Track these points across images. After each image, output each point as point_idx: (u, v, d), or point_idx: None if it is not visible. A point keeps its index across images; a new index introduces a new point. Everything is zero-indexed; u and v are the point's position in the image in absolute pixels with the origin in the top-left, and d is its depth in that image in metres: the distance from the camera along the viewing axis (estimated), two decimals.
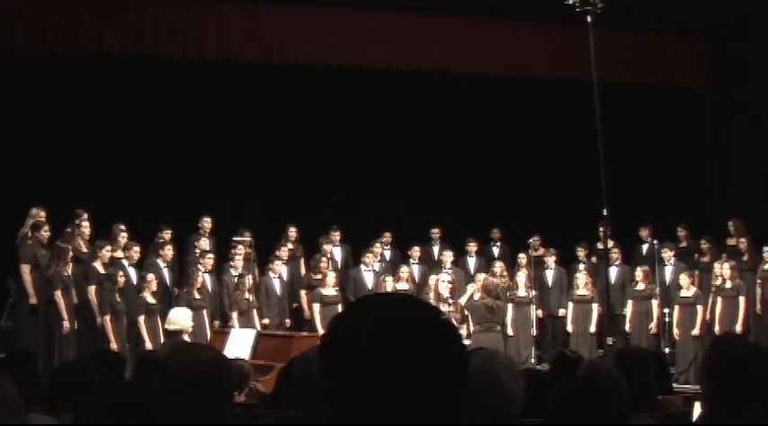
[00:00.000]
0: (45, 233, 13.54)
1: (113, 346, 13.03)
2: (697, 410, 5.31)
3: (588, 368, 4.86)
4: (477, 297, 14.05)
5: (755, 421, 3.36)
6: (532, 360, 15.44)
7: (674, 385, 13.32)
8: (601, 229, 14.59)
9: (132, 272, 14.43)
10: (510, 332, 15.76)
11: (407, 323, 1.83)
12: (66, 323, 13.00)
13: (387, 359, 1.78)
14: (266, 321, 15.44)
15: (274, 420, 4.74)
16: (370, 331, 1.81)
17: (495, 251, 18.16)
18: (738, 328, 15.22)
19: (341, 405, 1.80)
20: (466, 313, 13.20)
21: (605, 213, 13.24)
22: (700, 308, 15.54)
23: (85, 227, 14.35)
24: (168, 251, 15.15)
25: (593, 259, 17.29)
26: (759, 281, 15.68)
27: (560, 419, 3.57)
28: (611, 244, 16.33)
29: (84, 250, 14.15)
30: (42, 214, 13.84)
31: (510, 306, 15.71)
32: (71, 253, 13.45)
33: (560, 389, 3.67)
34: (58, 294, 13.02)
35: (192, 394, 3.09)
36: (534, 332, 16.14)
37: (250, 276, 15.39)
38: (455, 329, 1.91)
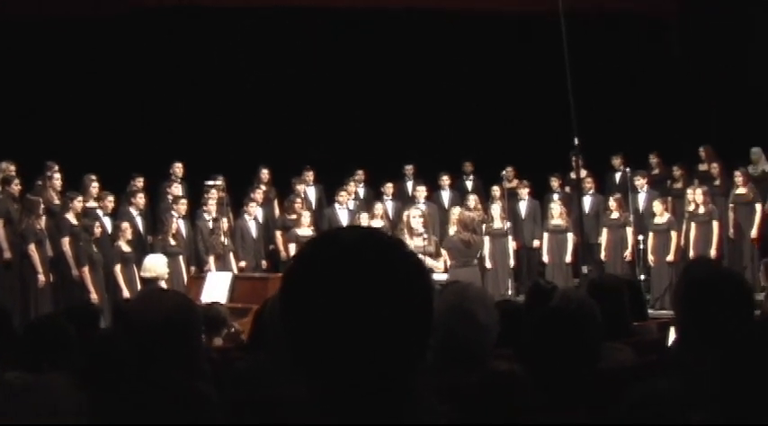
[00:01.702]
0: (16, 186, 13.41)
1: (93, 296, 13.03)
2: (672, 335, 5.34)
3: (561, 299, 4.87)
4: (452, 232, 14.04)
5: (728, 344, 3.37)
6: (510, 292, 15.48)
7: (650, 311, 13.44)
8: (573, 159, 14.58)
9: (107, 222, 14.37)
10: (488, 265, 15.80)
11: (370, 258, 1.78)
12: (41, 277, 12.89)
13: (349, 295, 1.73)
14: (243, 263, 15.45)
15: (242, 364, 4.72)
16: (331, 267, 1.76)
17: (469, 184, 18.19)
18: (713, 253, 15.32)
19: (302, 347, 1.77)
20: (441, 247, 13.17)
21: (576, 143, 13.24)
22: (674, 234, 15.61)
23: (56, 179, 14.24)
24: (140, 199, 15.11)
25: (567, 189, 17.32)
26: (731, 206, 15.78)
27: (533, 349, 3.58)
28: (583, 173, 16.37)
29: (57, 202, 14.02)
30: (12, 168, 13.72)
31: (486, 238, 15.72)
32: (43, 206, 13.32)
33: (533, 320, 3.68)
34: (32, 248, 12.90)
35: (157, 340, 3.08)
36: (512, 263, 16.15)
37: (225, 220, 15.36)
38: (419, 261, 1.87)
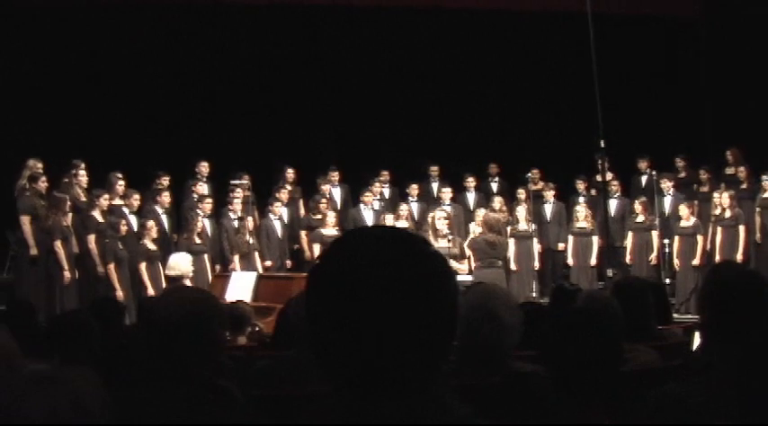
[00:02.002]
0: (42, 183, 13.51)
1: (119, 294, 13.11)
2: (697, 339, 5.32)
3: (585, 300, 4.86)
4: (477, 232, 14.03)
5: (754, 347, 3.35)
6: (534, 294, 15.43)
7: (675, 315, 13.39)
8: (599, 161, 14.52)
9: (132, 219, 14.44)
10: (513, 266, 15.74)
11: (395, 257, 1.78)
12: (66, 273, 13.02)
13: (373, 294, 1.73)
14: (268, 263, 15.47)
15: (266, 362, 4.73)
16: (355, 266, 1.77)
17: (494, 186, 18.13)
18: (739, 257, 15.23)
19: (326, 346, 1.77)
20: (465, 249, 13.17)
21: (602, 145, 13.19)
22: (700, 238, 15.54)
23: (82, 177, 14.36)
24: (166, 197, 15.16)
25: (593, 191, 17.25)
26: (758, 209, 15.66)
27: (556, 351, 3.57)
28: (609, 176, 16.30)
29: (83, 199, 14.13)
30: (39, 165, 13.80)
31: (511, 240, 15.68)
32: (69, 203, 13.43)
33: (556, 321, 3.67)
34: (58, 244, 13.01)
35: (178, 335, 3.09)
36: (537, 265, 16.10)
37: (250, 219, 15.38)
38: (445, 261, 1.86)
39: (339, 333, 1.75)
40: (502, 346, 4.21)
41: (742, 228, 15.37)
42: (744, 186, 16.19)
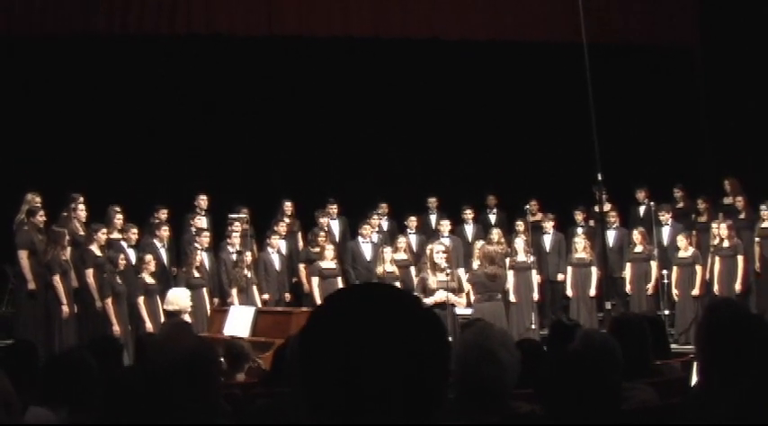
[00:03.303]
0: (41, 218, 13.51)
1: (115, 328, 13.10)
2: (695, 375, 5.32)
3: (582, 339, 4.85)
4: (476, 266, 14.02)
5: (751, 388, 3.36)
6: (534, 326, 15.41)
7: (674, 346, 13.42)
8: (597, 193, 14.54)
9: (131, 254, 14.43)
10: (512, 298, 15.71)
11: (387, 317, 1.82)
12: (65, 308, 12.99)
13: (366, 354, 1.76)
14: (266, 296, 15.44)
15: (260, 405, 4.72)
16: (348, 326, 1.80)
17: (492, 218, 18.16)
18: (738, 287, 15.28)
19: (317, 392, 1.80)
20: (464, 282, 13.17)
21: (600, 177, 13.20)
22: (698, 268, 15.55)
23: (81, 210, 14.35)
24: (164, 231, 15.17)
25: (591, 222, 17.26)
26: (757, 239, 15.68)
27: (553, 392, 3.57)
28: (608, 206, 16.33)
29: (81, 233, 14.13)
30: (37, 199, 13.81)
31: (510, 272, 15.68)
32: (68, 237, 13.43)
33: (553, 363, 3.67)
34: (57, 278, 13.00)
35: (176, 382, 3.09)
36: (536, 297, 16.07)
37: (248, 252, 15.36)
38: (437, 320, 1.89)
39: (331, 385, 1.78)
40: (499, 386, 4.19)
41: (741, 258, 15.39)
42: (742, 216, 16.22)
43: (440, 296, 12.31)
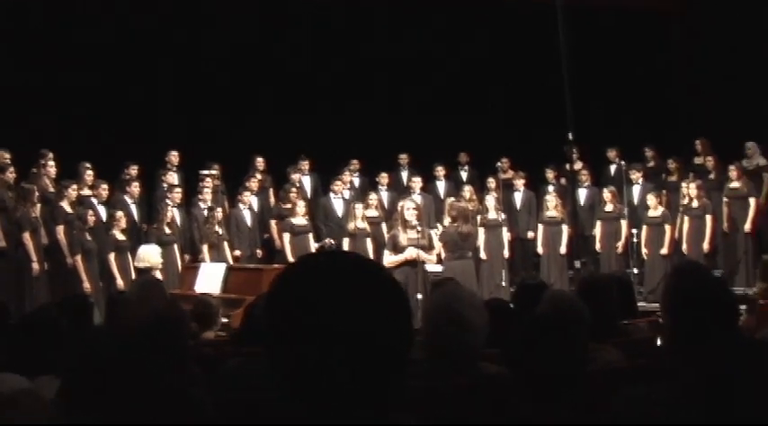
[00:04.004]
0: (10, 174, 13.41)
1: (86, 286, 13.05)
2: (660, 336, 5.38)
3: (549, 301, 4.88)
4: (447, 223, 14.03)
5: (714, 352, 3.40)
6: (504, 283, 15.48)
7: (643, 303, 13.51)
8: (568, 151, 14.57)
9: (101, 210, 14.37)
10: (483, 256, 15.75)
11: (350, 281, 1.86)
12: (35, 265, 12.91)
13: (329, 320, 1.80)
14: (237, 253, 15.43)
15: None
16: (311, 291, 1.84)
17: (464, 175, 18.20)
18: (705, 246, 15.43)
19: (284, 363, 1.83)
20: (435, 239, 13.19)
21: (570, 137, 13.22)
22: (667, 228, 15.66)
23: (51, 167, 14.24)
24: (135, 187, 15.12)
25: (563, 181, 17.32)
26: (725, 200, 15.80)
27: (520, 354, 3.60)
28: (579, 165, 16.39)
29: (51, 190, 14.02)
30: (7, 156, 13.71)
31: (481, 230, 15.72)
32: (37, 194, 13.33)
33: (520, 325, 3.70)
34: (27, 236, 12.91)
35: (141, 345, 3.10)
36: (507, 254, 16.11)
37: (220, 209, 15.33)
38: (398, 287, 1.92)
39: (295, 347, 1.82)
40: (468, 347, 4.23)
41: (709, 218, 15.51)
42: (712, 176, 16.32)
43: (410, 253, 12.34)
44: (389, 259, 12.49)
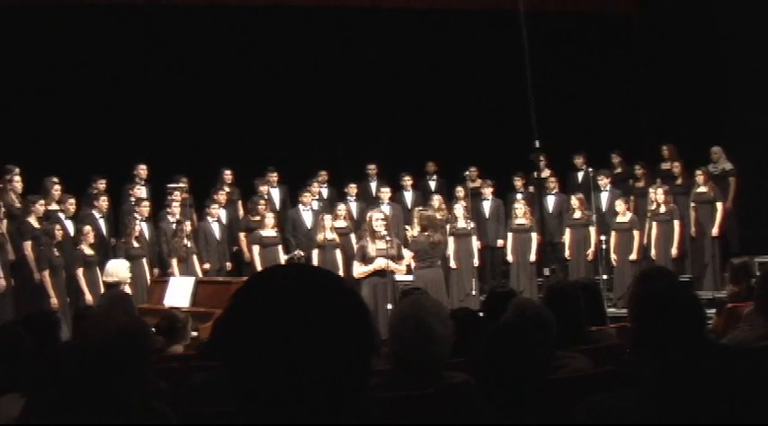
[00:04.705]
0: None
1: (53, 301, 12.95)
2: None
3: (515, 310, 4.89)
4: (415, 232, 14.05)
5: (679, 356, 3.40)
6: (474, 292, 15.50)
7: (612, 309, 13.56)
8: (534, 159, 14.59)
9: (69, 225, 14.29)
10: (452, 265, 15.77)
11: (309, 296, 1.84)
12: (1, 281, 12.78)
13: (287, 334, 1.79)
14: (206, 266, 15.38)
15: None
16: (270, 306, 1.82)
17: (432, 184, 18.21)
18: (674, 251, 15.51)
19: (244, 388, 1.82)
20: (403, 249, 13.21)
21: (537, 145, 13.22)
22: (636, 233, 15.72)
23: (17, 182, 14.10)
24: (103, 201, 15.04)
25: (530, 188, 17.36)
26: (693, 204, 15.90)
27: (485, 363, 3.60)
28: (547, 172, 16.46)
29: (17, 205, 13.90)
30: None
31: (451, 238, 15.75)
32: (3, 210, 13.22)
33: (485, 334, 3.70)
34: None
35: (108, 361, 3.08)
36: (476, 263, 16.13)
37: (188, 222, 15.29)
38: (357, 297, 1.92)
39: (255, 359, 1.80)
40: (433, 357, 4.23)
41: (677, 223, 15.61)
42: (679, 181, 16.40)
43: (379, 263, 12.35)
44: (359, 269, 12.52)
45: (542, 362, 3.62)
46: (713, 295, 14.28)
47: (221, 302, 10.67)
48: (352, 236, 15.65)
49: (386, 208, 15.47)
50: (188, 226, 15.08)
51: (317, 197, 16.76)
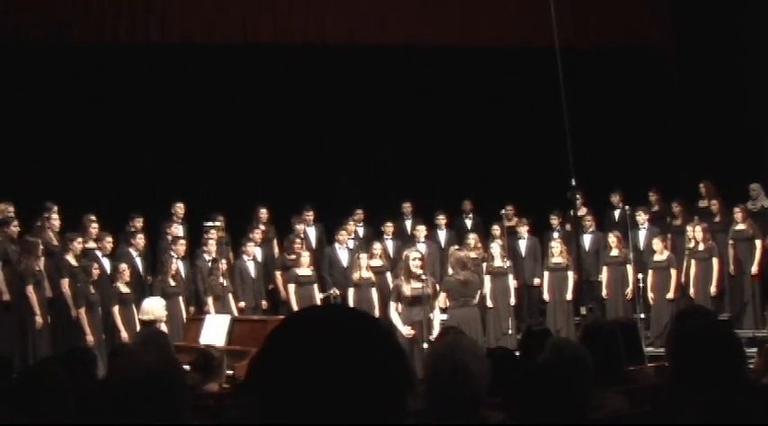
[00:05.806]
0: (14, 228, 13.45)
1: (89, 339, 13.02)
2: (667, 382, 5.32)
3: (552, 349, 4.84)
4: (449, 272, 14.01)
5: (716, 395, 3.36)
6: (510, 331, 15.42)
7: (650, 349, 13.43)
8: (572, 197, 14.53)
9: (105, 263, 14.37)
10: (489, 304, 15.72)
11: (342, 336, 1.84)
12: (38, 319, 12.88)
13: (323, 374, 1.78)
14: (242, 304, 15.43)
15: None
16: (304, 347, 1.82)
17: (468, 223, 18.18)
18: (713, 290, 15.35)
19: (280, 405, 1.82)
20: (438, 288, 13.16)
21: (573, 183, 13.16)
22: (673, 272, 15.57)
23: (55, 220, 14.25)
24: (140, 239, 15.10)
25: (567, 226, 17.28)
26: (731, 242, 15.75)
27: (522, 404, 3.57)
28: (584, 211, 16.39)
29: (55, 243, 14.03)
30: (10, 209, 13.75)
31: (487, 277, 15.73)
32: (42, 247, 13.32)
33: (522, 375, 3.67)
34: (30, 289, 12.89)
35: (134, 399, 3.07)
36: (513, 301, 16.05)
37: (224, 260, 15.34)
38: (392, 337, 1.91)
39: (290, 399, 1.80)
40: (470, 396, 4.19)
41: (715, 261, 15.45)
42: (717, 219, 16.28)
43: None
44: (394, 315, 12.49)
45: (580, 402, 3.58)
46: (753, 334, 14.14)
47: (257, 341, 10.63)
48: (388, 275, 15.66)
49: (422, 247, 15.46)
50: (224, 265, 15.14)
51: (352, 235, 16.77)
